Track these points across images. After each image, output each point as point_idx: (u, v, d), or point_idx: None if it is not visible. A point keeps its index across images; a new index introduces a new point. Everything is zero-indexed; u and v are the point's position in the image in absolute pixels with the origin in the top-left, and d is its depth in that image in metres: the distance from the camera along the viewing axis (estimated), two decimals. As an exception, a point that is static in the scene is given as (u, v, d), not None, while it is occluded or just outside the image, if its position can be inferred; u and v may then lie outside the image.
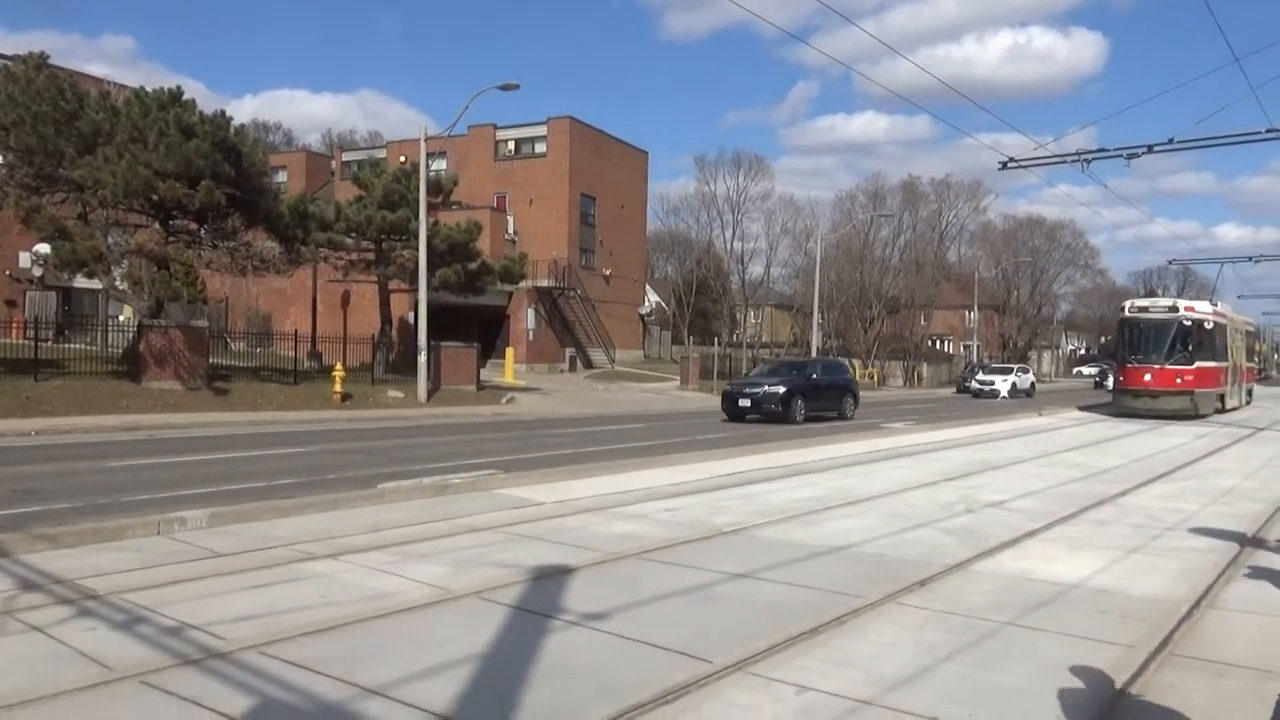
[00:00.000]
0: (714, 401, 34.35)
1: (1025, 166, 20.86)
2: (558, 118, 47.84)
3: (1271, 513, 9.82)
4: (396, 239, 30.12)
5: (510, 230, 46.09)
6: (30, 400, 18.98)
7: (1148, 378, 25.51)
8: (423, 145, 27.02)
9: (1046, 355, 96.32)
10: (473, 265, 30.58)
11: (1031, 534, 8.27)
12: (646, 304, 57.32)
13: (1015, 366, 50.29)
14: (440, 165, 41.02)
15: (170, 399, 21.12)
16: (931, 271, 69.03)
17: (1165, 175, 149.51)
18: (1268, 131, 18.10)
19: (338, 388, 24.25)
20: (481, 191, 45.82)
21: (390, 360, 30.78)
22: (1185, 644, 5.12)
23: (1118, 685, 4.39)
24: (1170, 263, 65.65)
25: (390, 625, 5.18)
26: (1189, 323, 25.62)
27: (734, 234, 71.49)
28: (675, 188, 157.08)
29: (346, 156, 54.45)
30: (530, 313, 43.95)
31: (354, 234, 29.99)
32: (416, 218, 27.13)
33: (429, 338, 26.87)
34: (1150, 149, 19.02)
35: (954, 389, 53.09)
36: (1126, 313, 27.56)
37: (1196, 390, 25.38)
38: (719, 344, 51.01)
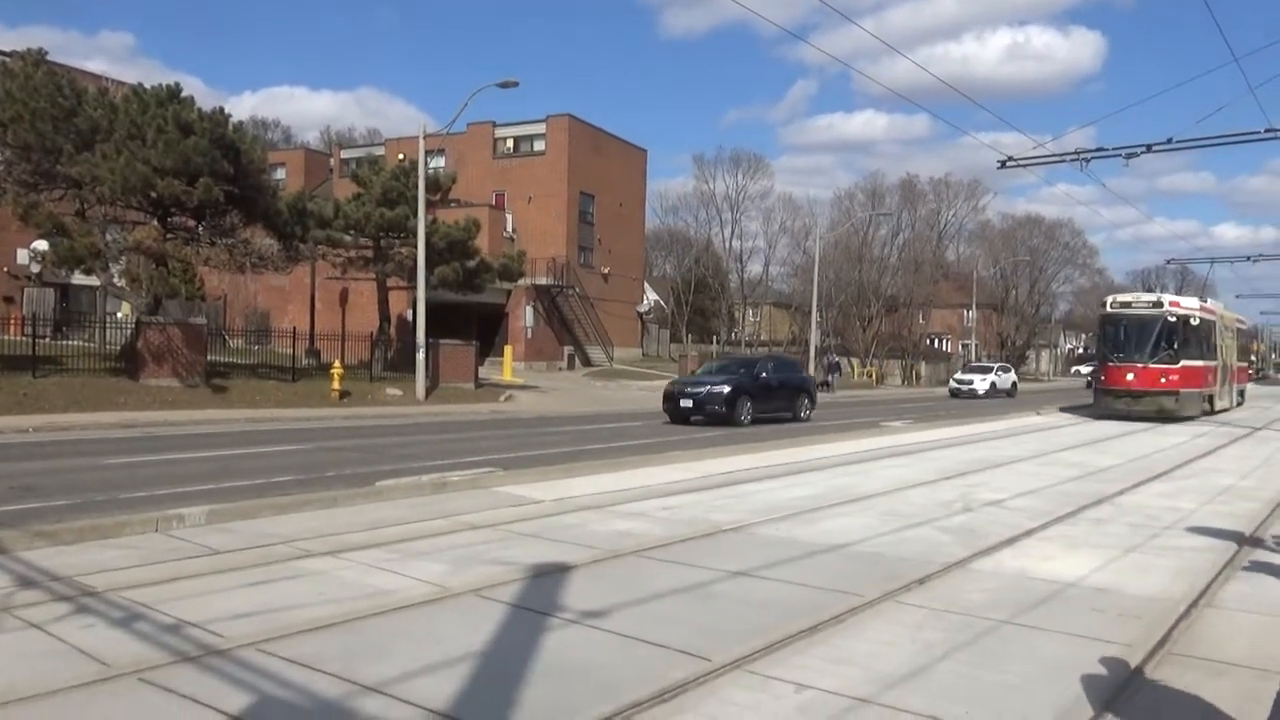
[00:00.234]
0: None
1: (1024, 166, 20.87)
2: (556, 115, 47.82)
3: (1269, 512, 9.84)
4: (395, 236, 30.10)
5: (509, 228, 46.06)
6: (28, 397, 18.96)
7: (1130, 377, 24.28)
8: (421, 143, 27.00)
9: (1045, 354, 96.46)
10: (471, 263, 30.56)
11: (1029, 533, 8.28)
12: (645, 302, 57.31)
13: (995, 365, 49.14)
14: (439, 163, 41.00)
15: (168, 396, 21.10)
16: (930, 270, 69.07)
17: (1164, 175, 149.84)
18: (1266, 131, 18.12)
19: (336, 385, 24.24)
20: (480, 189, 45.82)
21: (389, 358, 30.77)
22: (1183, 643, 5.12)
23: (1117, 682, 4.39)
24: (1168, 262, 65.71)
25: (389, 623, 5.18)
26: (1174, 319, 24.19)
27: (733, 232, 71.62)
28: (674, 186, 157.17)
29: (345, 154, 54.41)
30: (529, 311, 43.94)
31: (352, 231, 29.97)
32: (415, 215, 27.11)
33: (427, 335, 26.87)
34: (1149, 148, 19.04)
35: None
36: (1108, 308, 26.23)
37: (1182, 390, 24.17)
38: (717, 342, 51.10)
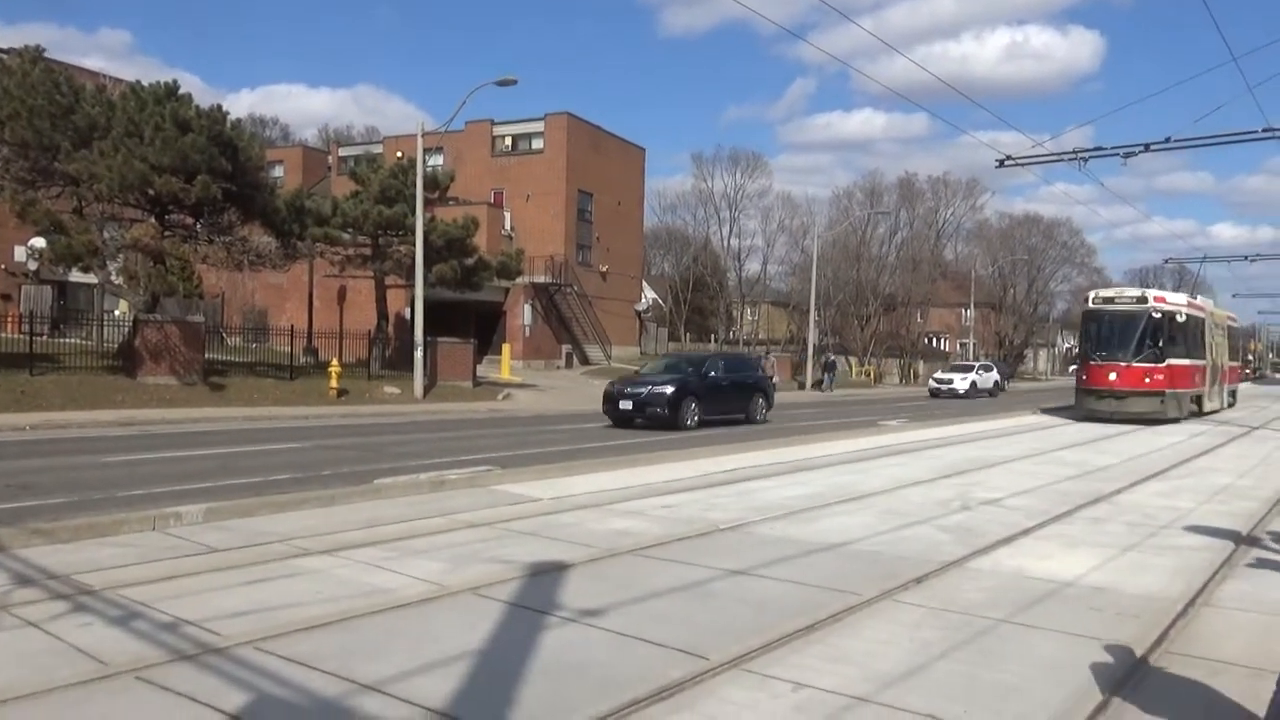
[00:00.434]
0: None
1: (1022, 165, 20.90)
2: (555, 113, 47.77)
3: (1267, 510, 9.86)
4: (393, 234, 30.08)
5: (507, 226, 46.03)
6: (25, 395, 18.94)
7: (1113, 376, 23.03)
8: (419, 140, 26.98)
9: (1043, 353, 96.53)
10: (469, 261, 30.54)
11: (1027, 531, 8.29)
12: (643, 301, 57.29)
13: (977, 364, 47.85)
14: (437, 161, 40.94)
15: (166, 394, 21.08)
16: (928, 269, 69.15)
17: (1162, 174, 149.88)
18: (1264, 131, 18.15)
19: (334, 383, 24.22)
20: (478, 187, 45.76)
21: (386, 356, 30.75)
22: (1181, 642, 5.13)
23: (1114, 681, 4.39)
24: (1166, 261, 65.83)
25: (386, 621, 5.18)
26: (1159, 315, 22.91)
27: (731, 231, 71.63)
28: (672, 184, 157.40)
29: (343, 152, 54.33)
30: (527, 309, 43.92)
31: (350, 229, 29.95)
32: (413, 213, 27.09)
33: (425, 333, 26.85)
34: (1147, 147, 19.06)
35: None
36: (1090, 304, 24.90)
37: (1167, 391, 22.87)
38: (715, 341, 51.05)
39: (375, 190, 29.59)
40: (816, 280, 48.37)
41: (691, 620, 5.28)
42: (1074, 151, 20.01)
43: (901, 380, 60.11)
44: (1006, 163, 20.78)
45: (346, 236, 30.24)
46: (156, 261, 22.75)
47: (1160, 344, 22.85)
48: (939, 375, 45.12)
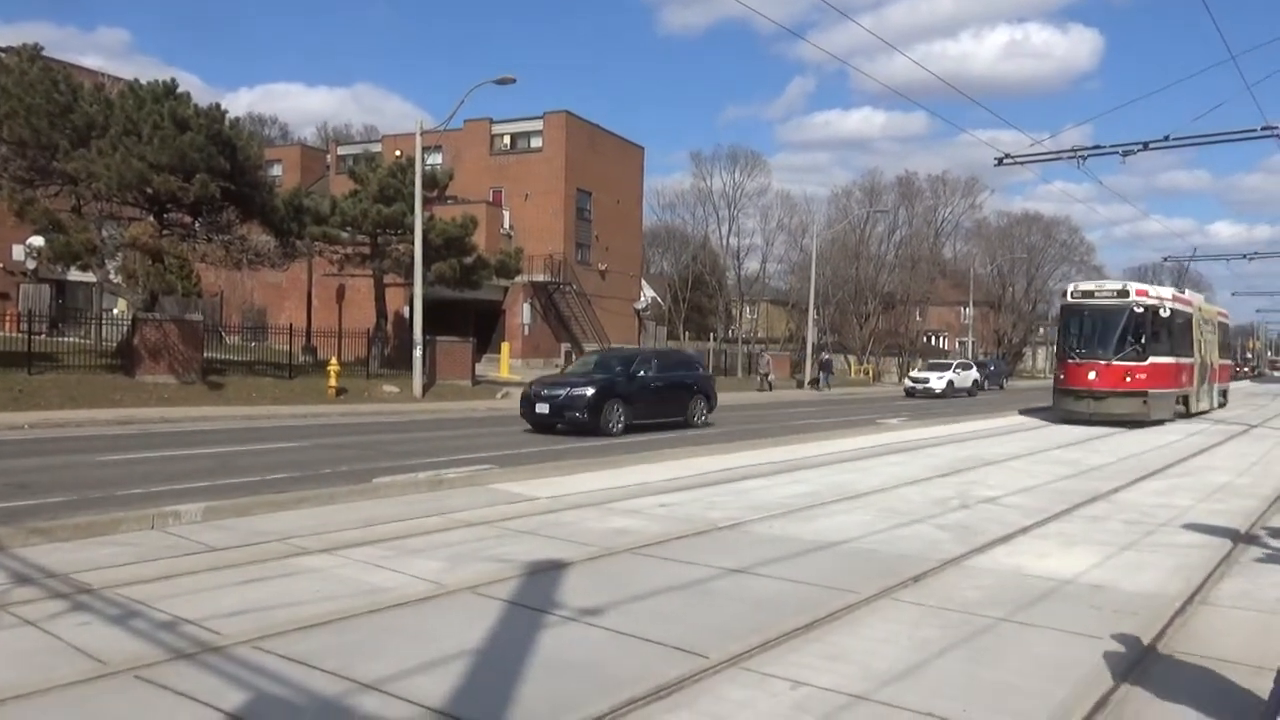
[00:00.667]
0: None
1: (1021, 163, 20.88)
2: (554, 112, 47.76)
3: (1265, 509, 9.87)
4: (392, 233, 30.07)
5: (506, 225, 46.02)
6: (24, 394, 18.93)
7: (1092, 376, 21.61)
8: (418, 139, 26.96)
9: (1041, 351, 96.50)
10: (468, 260, 30.54)
11: (1025, 530, 8.30)
12: (642, 299, 57.30)
13: (954, 362, 45.70)
14: (436, 159, 40.93)
15: (164, 393, 21.07)
16: (927, 268, 69.14)
17: (1161, 172, 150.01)
18: (1263, 129, 18.14)
19: (333, 382, 24.20)
20: (477, 186, 45.75)
21: (385, 355, 30.75)
22: (1179, 639, 5.14)
23: (1112, 680, 4.40)
24: (1165, 259, 65.80)
25: (385, 620, 5.18)
26: (1142, 310, 21.62)
27: (730, 230, 71.50)
28: (671, 183, 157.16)
29: (342, 150, 54.33)
30: (526, 308, 43.92)
31: (349, 228, 29.94)
32: (412, 212, 27.07)
33: (424, 332, 26.83)
34: (1146, 146, 19.05)
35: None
36: (1069, 298, 23.36)
37: (1150, 391, 21.50)
38: (714, 340, 51.02)
39: (374, 189, 29.58)
40: (815, 279, 48.36)
41: (690, 619, 5.29)
42: (1073, 150, 20.00)
43: (900, 379, 60.12)
44: (1005, 161, 20.77)
45: (345, 235, 30.23)
46: (155, 260, 22.73)
47: (1143, 341, 21.59)
48: (914, 374, 43.35)
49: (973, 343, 69.94)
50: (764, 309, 75.87)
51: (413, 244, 26.86)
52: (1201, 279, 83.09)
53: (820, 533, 7.95)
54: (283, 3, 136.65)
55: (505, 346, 39.17)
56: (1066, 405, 22.33)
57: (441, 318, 32.36)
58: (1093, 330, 22.33)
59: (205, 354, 24.48)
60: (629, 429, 18.08)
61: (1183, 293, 25.40)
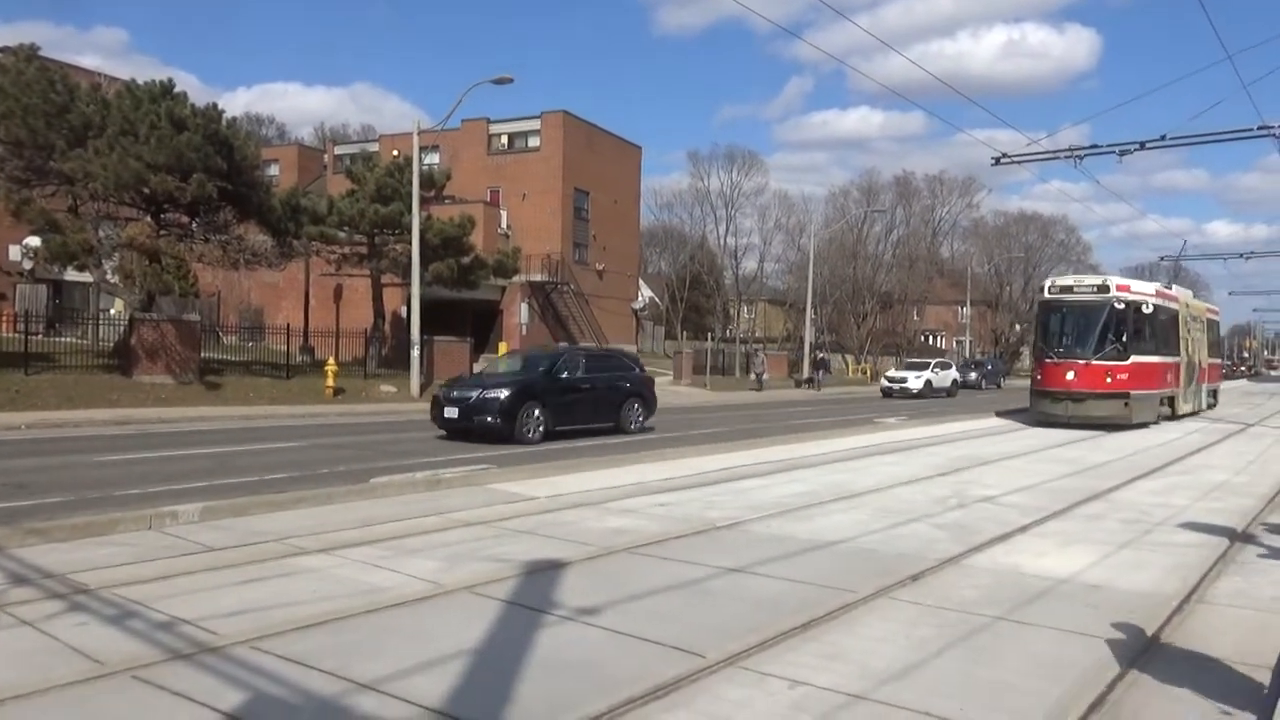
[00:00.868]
0: (708, 396, 34.43)
1: (1018, 162, 20.92)
2: (551, 112, 47.75)
3: (1262, 507, 9.89)
4: (389, 233, 30.04)
5: (503, 224, 46.01)
6: (20, 394, 18.90)
7: (1070, 376, 20.47)
8: (415, 139, 26.94)
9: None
10: (466, 259, 30.53)
11: (1023, 529, 8.30)
12: (640, 299, 57.31)
13: (933, 361, 43.75)
14: (433, 159, 40.93)
15: (162, 393, 21.05)
16: (924, 267, 69.28)
17: (1157, 172, 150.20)
18: (1259, 128, 18.18)
19: (330, 382, 24.19)
20: (474, 186, 45.72)
21: (383, 355, 30.72)
22: (1177, 638, 5.15)
23: (1109, 679, 4.41)
24: (1162, 259, 65.85)
25: (383, 620, 5.18)
26: (1123, 305, 20.44)
27: (727, 229, 71.56)
28: (669, 182, 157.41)
29: (339, 150, 54.29)
30: (523, 307, 43.90)
31: (346, 228, 29.91)
32: (409, 212, 27.04)
33: (422, 332, 26.81)
34: (1143, 145, 19.08)
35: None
36: (1046, 293, 22.17)
37: (1133, 392, 20.35)
38: (712, 339, 51.00)
39: (371, 189, 29.55)
40: (813, 278, 48.41)
41: (688, 618, 5.29)
42: (1070, 149, 20.03)
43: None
44: (1003, 160, 20.80)
45: (342, 235, 30.21)
46: (152, 260, 22.71)
47: (1124, 339, 20.39)
48: (890, 374, 41.63)
49: (970, 342, 70.04)
50: (762, 308, 75.95)
51: (410, 244, 26.84)
52: (1199, 278, 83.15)
53: (818, 532, 7.96)
54: (280, 3, 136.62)
55: (503, 346, 39.02)
56: (1043, 407, 21.23)
57: (439, 318, 32.33)
58: (1071, 328, 21.36)
59: (202, 354, 24.46)
60: (550, 435, 16.30)
61: (1169, 288, 24.50)
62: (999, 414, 24.83)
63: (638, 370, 19.90)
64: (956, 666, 4.56)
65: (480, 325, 41.15)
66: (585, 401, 17.59)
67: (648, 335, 59.46)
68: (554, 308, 46.57)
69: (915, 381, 39.22)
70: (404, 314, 31.51)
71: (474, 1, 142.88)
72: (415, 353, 26.43)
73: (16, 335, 22.35)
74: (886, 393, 39.32)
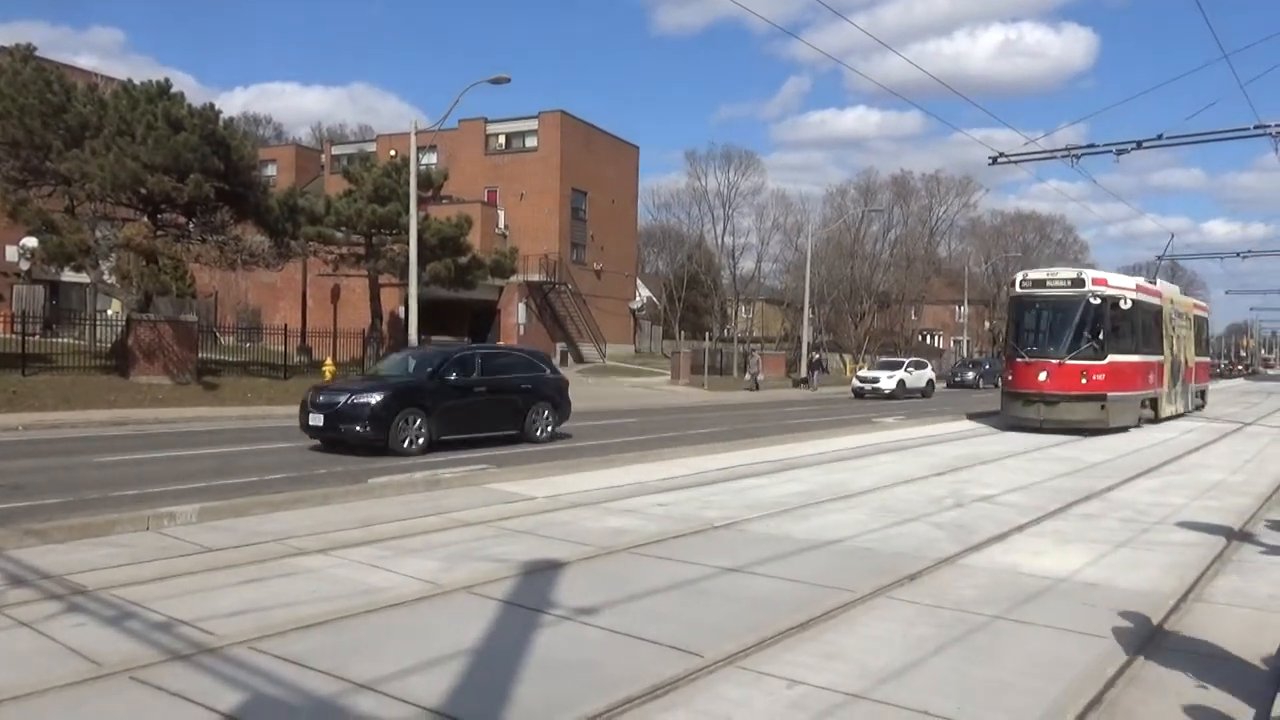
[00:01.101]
0: (706, 396, 34.44)
1: (1015, 162, 20.94)
2: (548, 112, 47.77)
3: (1259, 507, 9.90)
4: (387, 233, 30.02)
5: (501, 224, 46.01)
6: (18, 395, 18.87)
7: (1043, 377, 19.05)
8: (413, 139, 26.90)
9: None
10: (463, 259, 30.52)
11: (1020, 528, 8.31)
12: (637, 299, 57.32)
13: (907, 361, 42.10)
14: (431, 159, 40.86)
15: (159, 393, 21.02)
16: (922, 267, 69.34)
17: (1154, 171, 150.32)
18: (1256, 128, 18.21)
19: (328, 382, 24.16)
20: (472, 186, 45.72)
21: (380, 355, 30.66)
22: (1173, 637, 5.16)
23: (1107, 678, 4.42)
24: (1159, 258, 65.88)
25: (381, 620, 5.18)
26: (1099, 300, 18.96)
27: (725, 229, 71.53)
28: (666, 182, 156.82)
29: (336, 150, 54.29)
30: (521, 307, 43.90)
31: (344, 228, 29.88)
32: (407, 212, 27.00)
33: (419, 332, 26.77)
34: (1140, 145, 19.12)
35: (944, 384, 53.02)
36: (1018, 288, 20.46)
37: (1110, 394, 18.96)
38: (710, 339, 50.98)
39: (369, 189, 29.53)
40: (810, 278, 48.42)
41: (686, 618, 5.29)
42: (1067, 149, 20.04)
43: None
44: (1000, 160, 20.82)
45: (340, 235, 30.17)
46: (149, 261, 22.68)
47: (1101, 336, 18.95)
48: (862, 373, 40.22)
49: (967, 341, 70.09)
50: (759, 308, 75.99)
51: (408, 244, 26.79)
52: (1196, 277, 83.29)
53: (816, 531, 7.96)
54: (278, 2, 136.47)
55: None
56: (1014, 411, 19.75)
57: (437, 318, 32.36)
58: (1044, 325, 19.99)
59: (200, 354, 24.42)
60: (436, 446, 14.13)
61: (1152, 283, 23.18)
62: (970, 416, 23.58)
63: (548, 372, 17.49)
64: (954, 666, 4.57)
65: (478, 325, 41.18)
66: (480, 407, 15.35)
67: (645, 335, 59.46)
68: (552, 308, 46.58)
69: (888, 382, 37.77)
70: (401, 314, 31.50)
71: (472, 1, 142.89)
72: (413, 353, 26.38)
73: (13, 336, 22.30)
74: (858, 393, 37.74)
